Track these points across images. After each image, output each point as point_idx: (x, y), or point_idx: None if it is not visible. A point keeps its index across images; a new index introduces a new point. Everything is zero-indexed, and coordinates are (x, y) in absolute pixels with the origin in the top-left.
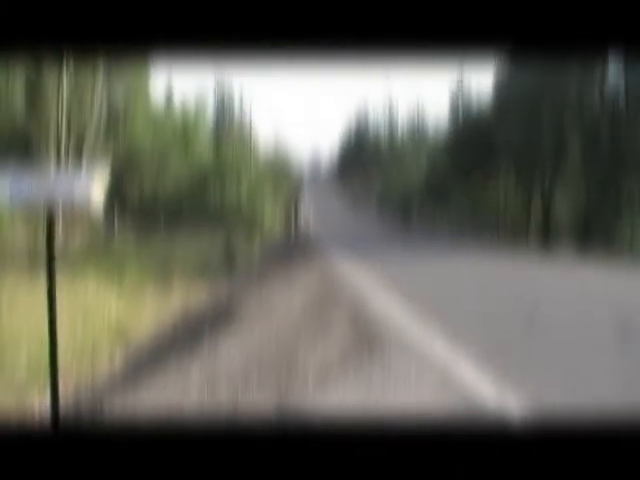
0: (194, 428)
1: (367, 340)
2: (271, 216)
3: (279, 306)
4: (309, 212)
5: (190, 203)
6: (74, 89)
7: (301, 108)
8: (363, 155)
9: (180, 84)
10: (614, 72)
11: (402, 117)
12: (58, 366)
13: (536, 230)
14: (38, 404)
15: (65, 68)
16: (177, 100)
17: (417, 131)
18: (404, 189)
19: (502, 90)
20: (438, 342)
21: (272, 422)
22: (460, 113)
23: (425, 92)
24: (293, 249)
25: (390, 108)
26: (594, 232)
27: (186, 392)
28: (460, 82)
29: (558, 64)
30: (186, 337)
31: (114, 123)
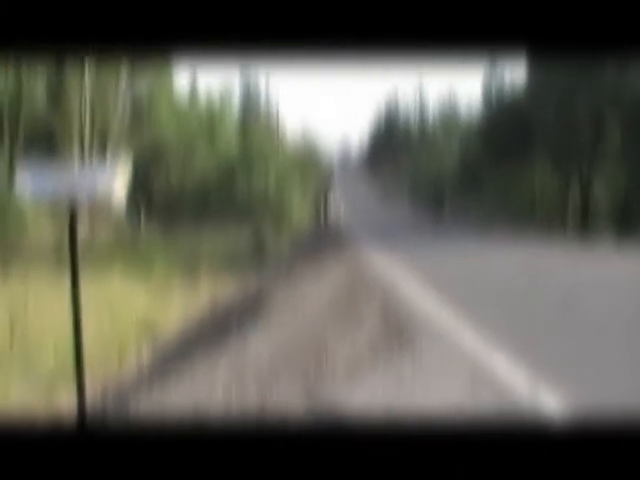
0: (221, 427)
1: (397, 335)
2: (300, 207)
3: (309, 300)
4: (339, 202)
5: (217, 195)
6: (97, 82)
7: (330, 95)
8: (393, 142)
9: (205, 74)
10: None
11: (433, 102)
12: (84, 364)
13: (574, 218)
14: (66, 402)
15: (87, 62)
16: (202, 90)
17: (449, 117)
18: (436, 177)
19: (538, 73)
20: (475, 342)
21: (301, 420)
22: (494, 97)
23: (457, 75)
24: (323, 241)
25: (421, 93)
26: (635, 220)
27: (214, 389)
28: (493, 65)
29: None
30: (214, 332)
31: (138, 115)
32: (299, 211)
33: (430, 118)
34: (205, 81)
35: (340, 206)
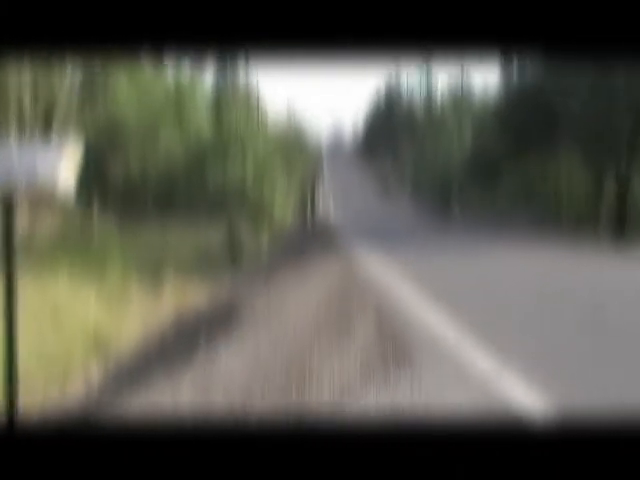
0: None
1: (395, 360)
2: (283, 201)
3: (292, 311)
4: (328, 196)
5: (185, 184)
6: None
7: (320, 73)
8: (394, 127)
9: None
10: None
11: (442, 79)
12: (17, 384)
13: (608, 219)
14: None
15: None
16: (169, 61)
17: (460, 97)
18: (443, 168)
19: None
20: (486, 361)
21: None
22: (514, 75)
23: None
24: (309, 242)
25: (427, 69)
26: None
27: (176, 414)
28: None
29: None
30: (178, 349)
31: (92, 90)
32: (281, 205)
33: (438, 98)
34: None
35: (330, 200)
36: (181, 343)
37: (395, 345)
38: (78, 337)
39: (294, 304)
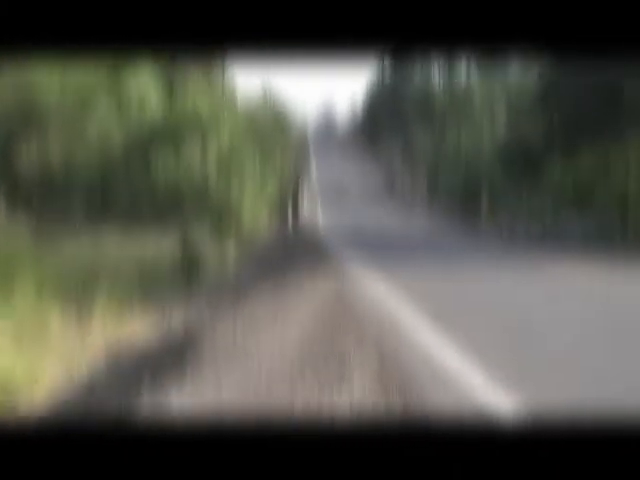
0: None
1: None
2: (255, 202)
3: (265, 346)
4: (316, 195)
5: (126, 180)
6: None
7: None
8: (405, 108)
9: None
10: None
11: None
12: None
13: None
14: None
15: None
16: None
17: (493, 76)
18: (470, 163)
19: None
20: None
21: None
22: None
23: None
24: (289, 255)
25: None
26: None
27: None
28: None
29: None
30: (113, 398)
31: None
32: (253, 207)
33: (463, 75)
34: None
35: (317, 199)
36: (114, 389)
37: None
38: None
39: (269, 340)
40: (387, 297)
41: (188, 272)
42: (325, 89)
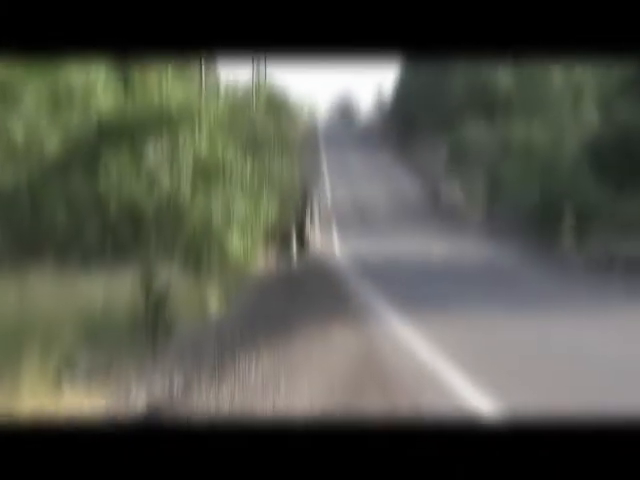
0: None
1: None
2: (247, 226)
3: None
4: (330, 214)
5: (63, 198)
6: None
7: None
8: (453, 98)
9: None
10: None
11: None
12: None
13: None
14: None
15: None
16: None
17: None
18: (544, 164)
19: None
20: None
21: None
22: None
23: None
24: (295, 302)
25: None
26: None
27: None
28: None
29: None
30: None
31: None
32: (244, 232)
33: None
34: None
35: (332, 221)
36: None
37: None
38: None
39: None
40: (436, 374)
41: (152, 324)
42: (341, 77)
